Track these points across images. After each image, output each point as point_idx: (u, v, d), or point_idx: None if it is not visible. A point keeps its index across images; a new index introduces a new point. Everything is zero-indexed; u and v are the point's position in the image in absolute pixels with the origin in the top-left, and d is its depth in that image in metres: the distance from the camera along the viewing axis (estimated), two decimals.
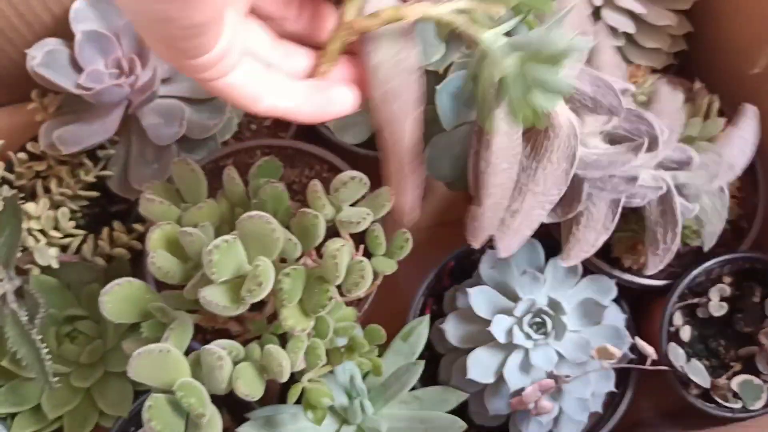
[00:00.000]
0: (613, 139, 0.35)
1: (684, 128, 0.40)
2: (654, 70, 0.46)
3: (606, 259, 0.42)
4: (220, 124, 0.44)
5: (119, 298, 0.32)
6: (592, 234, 0.36)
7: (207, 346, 0.29)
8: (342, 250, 0.29)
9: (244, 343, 0.33)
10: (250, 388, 0.28)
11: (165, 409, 0.28)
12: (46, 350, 0.37)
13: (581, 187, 0.34)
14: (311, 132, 0.48)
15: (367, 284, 0.29)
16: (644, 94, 0.41)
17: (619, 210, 0.34)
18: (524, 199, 0.33)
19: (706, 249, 0.37)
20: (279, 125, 0.50)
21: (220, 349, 0.29)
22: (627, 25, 0.44)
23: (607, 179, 0.34)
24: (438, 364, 0.42)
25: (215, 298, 0.28)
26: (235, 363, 0.30)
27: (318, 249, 0.34)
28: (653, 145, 0.33)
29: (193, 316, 0.34)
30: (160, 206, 0.36)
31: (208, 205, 0.36)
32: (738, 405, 0.41)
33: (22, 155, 0.46)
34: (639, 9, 0.44)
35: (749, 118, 0.38)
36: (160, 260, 0.32)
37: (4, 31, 0.46)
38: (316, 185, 0.34)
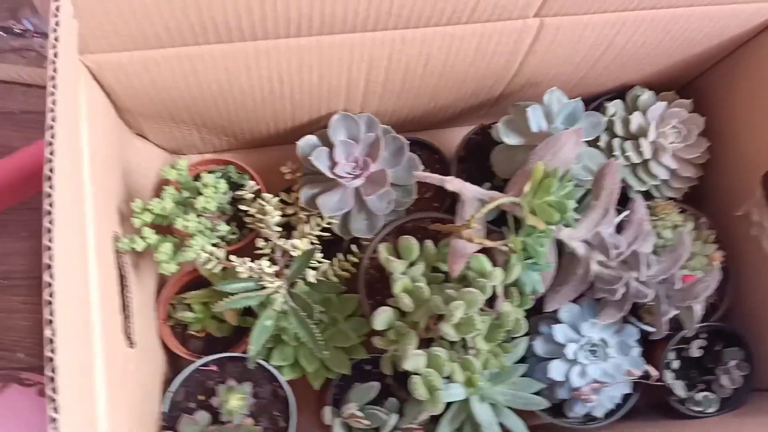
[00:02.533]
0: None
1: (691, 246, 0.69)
2: (675, 199, 0.73)
3: (635, 315, 0.70)
4: (411, 201, 0.71)
5: (381, 318, 0.60)
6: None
7: (435, 350, 0.58)
8: (512, 312, 0.57)
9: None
10: (458, 377, 0.57)
11: (420, 383, 0.56)
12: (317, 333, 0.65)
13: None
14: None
15: (523, 329, 0.58)
16: (671, 224, 0.69)
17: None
18: (563, 288, 0.64)
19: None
20: (436, 199, 0.77)
21: (443, 352, 0.57)
22: (665, 174, 0.71)
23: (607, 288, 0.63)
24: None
25: (449, 332, 0.56)
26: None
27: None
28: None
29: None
30: (394, 263, 0.64)
31: (419, 265, 0.64)
32: (700, 409, 0.70)
33: (276, 200, 0.73)
34: (673, 165, 0.71)
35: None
36: (404, 300, 0.60)
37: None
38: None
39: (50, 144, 0.36)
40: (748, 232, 0.70)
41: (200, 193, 0.61)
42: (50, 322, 0.34)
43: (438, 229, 0.68)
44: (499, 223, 0.65)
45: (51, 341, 0.34)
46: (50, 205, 0.36)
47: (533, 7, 0.58)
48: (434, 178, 0.65)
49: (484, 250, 0.62)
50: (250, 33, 0.54)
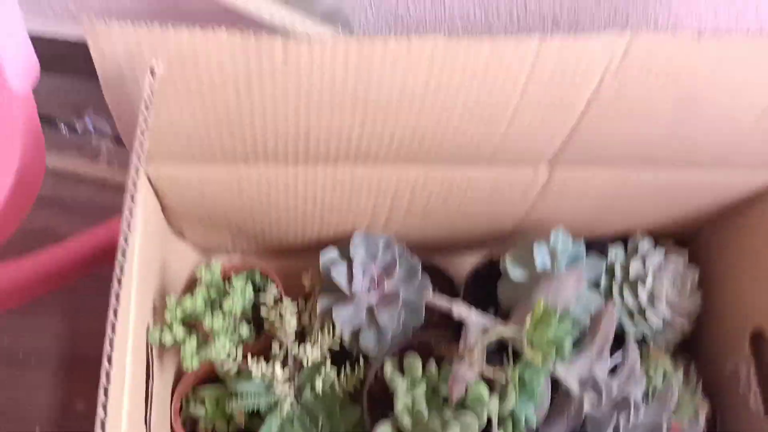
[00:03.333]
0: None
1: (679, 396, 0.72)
2: (667, 347, 0.77)
3: None
4: (419, 321, 0.76)
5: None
6: None
7: None
8: None
9: None
10: None
11: None
12: None
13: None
14: None
15: None
16: (662, 371, 0.72)
17: None
18: (556, 424, 0.66)
19: None
20: (443, 322, 0.82)
21: None
22: (659, 322, 0.76)
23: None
24: None
25: None
26: None
27: None
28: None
29: None
30: (398, 381, 0.68)
31: (422, 385, 0.68)
32: None
33: (294, 307, 0.78)
34: (667, 314, 0.76)
35: None
36: (404, 420, 0.64)
37: (300, 227, 0.80)
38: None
39: (120, 260, 0.41)
40: (735, 386, 0.74)
41: (228, 296, 0.67)
42: (103, 424, 0.38)
43: (442, 352, 0.72)
44: (500, 350, 0.70)
45: None
46: (115, 314, 0.41)
47: (546, 157, 0.65)
48: (443, 304, 0.70)
49: (484, 377, 0.66)
50: (293, 158, 0.61)
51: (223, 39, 0.46)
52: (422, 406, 0.64)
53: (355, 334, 0.76)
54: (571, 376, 0.67)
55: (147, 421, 0.60)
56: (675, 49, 0.53)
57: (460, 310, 0.69)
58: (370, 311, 0.75)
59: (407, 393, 0.67)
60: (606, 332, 0.68)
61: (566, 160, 0.65)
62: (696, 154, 0.66)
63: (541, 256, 0.72)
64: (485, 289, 0.81)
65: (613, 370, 0.68)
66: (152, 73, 0.44)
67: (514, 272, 0.73)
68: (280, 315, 0.73)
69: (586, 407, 0.65)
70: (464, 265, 0.86)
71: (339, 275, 0.74)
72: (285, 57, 0.48)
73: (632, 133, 0.62)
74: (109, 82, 0.49)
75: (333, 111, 0.54)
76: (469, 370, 0.66)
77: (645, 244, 0.79)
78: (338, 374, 0.74)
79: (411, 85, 0.52)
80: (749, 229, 0.75)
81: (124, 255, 0.41)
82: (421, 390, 0.68)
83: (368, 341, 0.75)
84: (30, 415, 0.74)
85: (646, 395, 0.71)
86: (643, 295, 0.75)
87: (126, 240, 0.42)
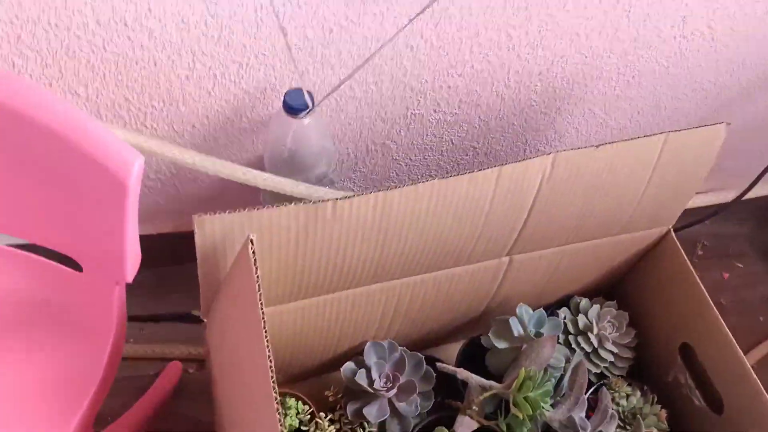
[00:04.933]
0: None
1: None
2: (622, 376, 0.98)
3: None
4: (430, 405, 0.92)
5: None
6: None
7: None
8: None
9: None
10: None
11: None
12: None
13: None
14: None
15: None
16: (624, 393, 0.92)
17: None
18: None
19: None
20: (444, 404, 0.98)
21: None
22: (611, 357, 0.97)
23: None
24: None
25: None
26: None
27: None
28: None
29: None
30: None
31: None
32: None
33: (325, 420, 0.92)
34: (615, 350, 0.97)
35: None
36: None
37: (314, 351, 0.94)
38: None
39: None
40: (679, 391, 0.95)
41: (286, 414, 0.80)
42: None
43: (451, 404, 0.89)
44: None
45: None
46: None
47: (506, 249, 0.86)
48: (449, 369, 0.87)
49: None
50: (327, 289, 0.78)
51: (291, 209, 0.64)
52: None
53: (382, 426, 0.91)
54: (555, 420, 0.85)
55: None
56: (583, 157, 0.77)
57: (463, 373, 0.87)
58: (391, 404, 0.90)
59: None
60: (581, 384, 0.87)
61: (520, 248, 0.87)
62: (606, 226, 0.90)
63: (515, 326, 0.91)
64: (472, 366, 0.99)
65: (591, 409, 0.87)
66: (251, 241, 0.61)
67: (498, 342, 0.92)
68: (317, 424, 0.87)
69: None
70: (447, 353, 1.03)
71: (361, 379, 0.89)
72: (333, 211, 0.66)
73: (562, 218, 0.84)
74: (205, 256, 0.65)
75: (362, 242, 0.72)
76: (471, 421, 0.83)
77: (583, 302, 1.01)
78: None
79: (416, 212, 0.72)
80: (653, 273, 0.99)
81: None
82: None
83: (394, 429, 0.90)
84: None
85: (621, 419, 0.90)
86: (593, 339, 0.96)
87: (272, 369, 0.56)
